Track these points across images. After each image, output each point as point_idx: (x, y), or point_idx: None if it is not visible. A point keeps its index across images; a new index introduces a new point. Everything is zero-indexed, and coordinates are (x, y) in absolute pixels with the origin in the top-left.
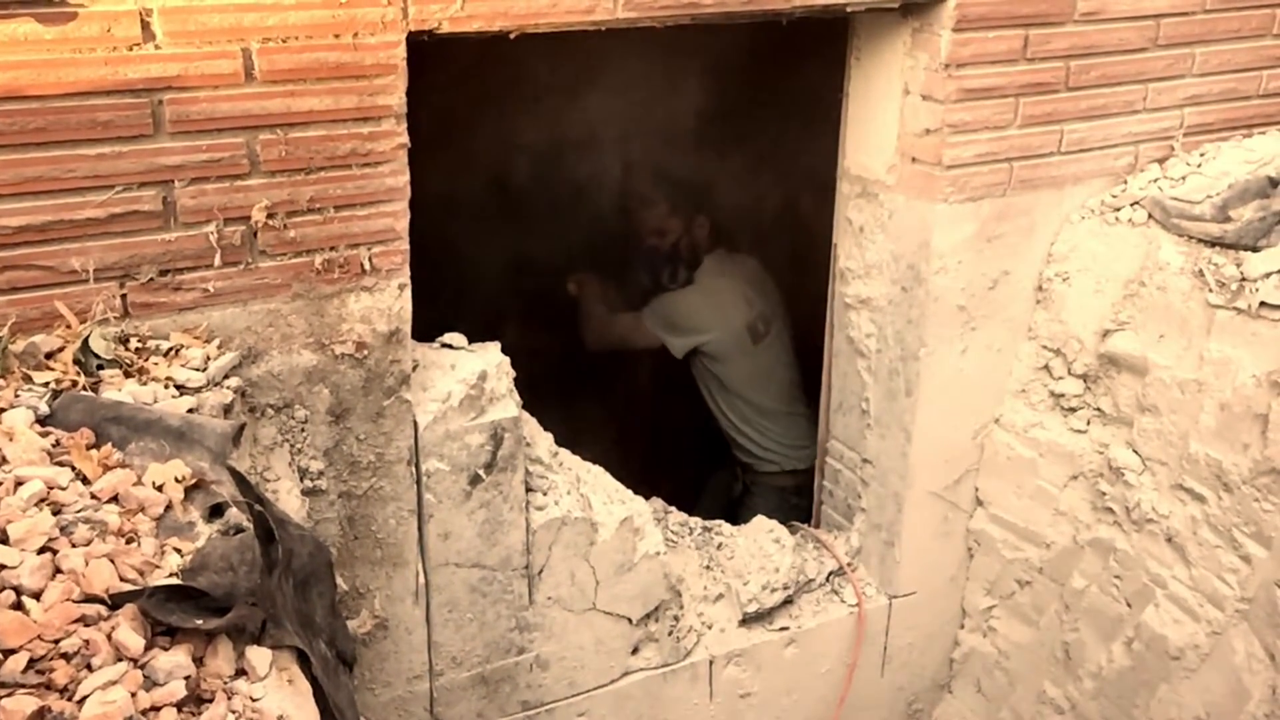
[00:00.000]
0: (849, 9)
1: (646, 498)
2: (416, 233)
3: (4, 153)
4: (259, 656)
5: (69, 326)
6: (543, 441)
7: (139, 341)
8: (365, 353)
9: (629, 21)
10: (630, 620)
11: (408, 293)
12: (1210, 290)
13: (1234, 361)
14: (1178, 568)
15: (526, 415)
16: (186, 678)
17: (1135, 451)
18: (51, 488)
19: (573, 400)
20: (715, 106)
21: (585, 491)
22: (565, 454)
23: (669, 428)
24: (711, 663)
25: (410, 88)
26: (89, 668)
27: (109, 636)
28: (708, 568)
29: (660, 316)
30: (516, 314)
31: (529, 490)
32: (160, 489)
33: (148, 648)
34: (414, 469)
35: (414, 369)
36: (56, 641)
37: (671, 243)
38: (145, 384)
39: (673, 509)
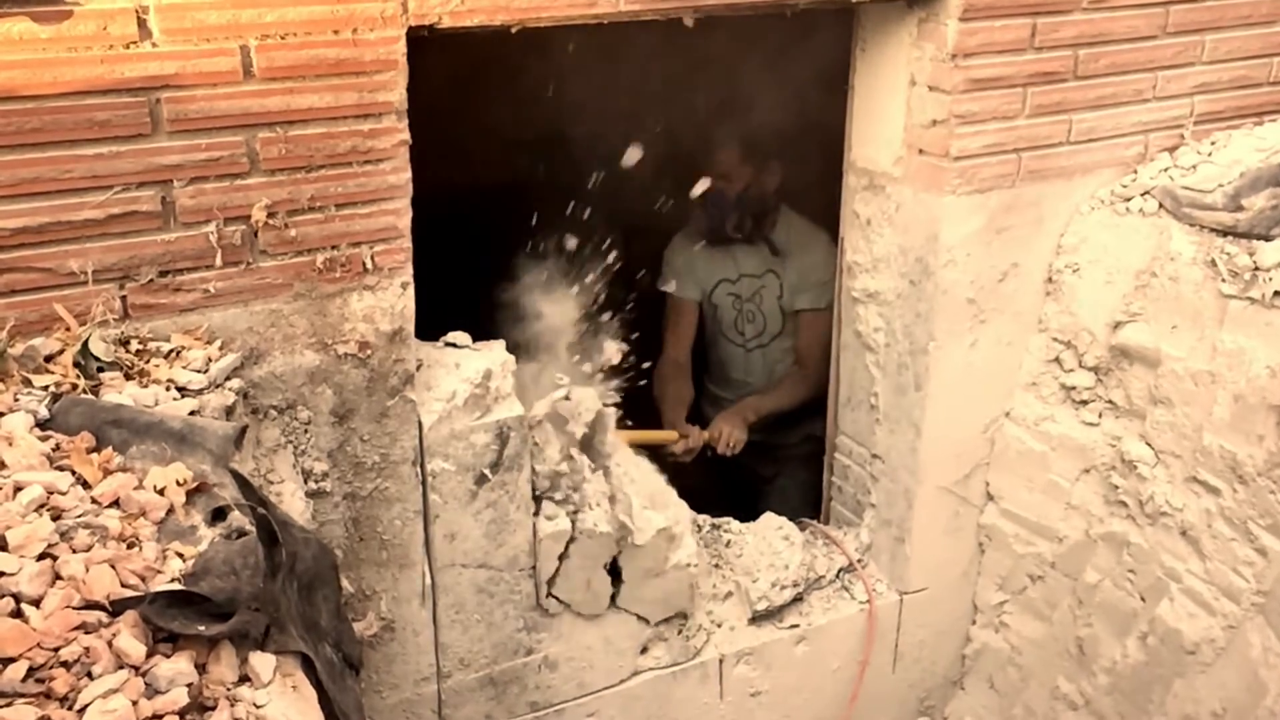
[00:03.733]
0: None
1: None
2: None
3: (0, 154)
4: (263, 662)
5: (68, 329)
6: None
7: (139, 343)
8: (368, 352)
9: (632, 15)
10: (647, 621)
11: (410, 291)
12: (1223, 280)
13: (1248, 352)
14: (1192, 561)
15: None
16: (189, 685)
17: (1148, 444)
18: (51, 493)
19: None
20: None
21: (628, 491)
22: (618, 448)
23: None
24: (721, 661)
25: None
26: (89, 676)
27: (110, 644)
28: (716, 565)
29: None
30: None
31: (545, 498)
32: (162, 493)
33: (149, 655)
34: (419, 469)
35: (418, 368)
36: (56, 649)
37: (738, 190)
38: (146, 386)
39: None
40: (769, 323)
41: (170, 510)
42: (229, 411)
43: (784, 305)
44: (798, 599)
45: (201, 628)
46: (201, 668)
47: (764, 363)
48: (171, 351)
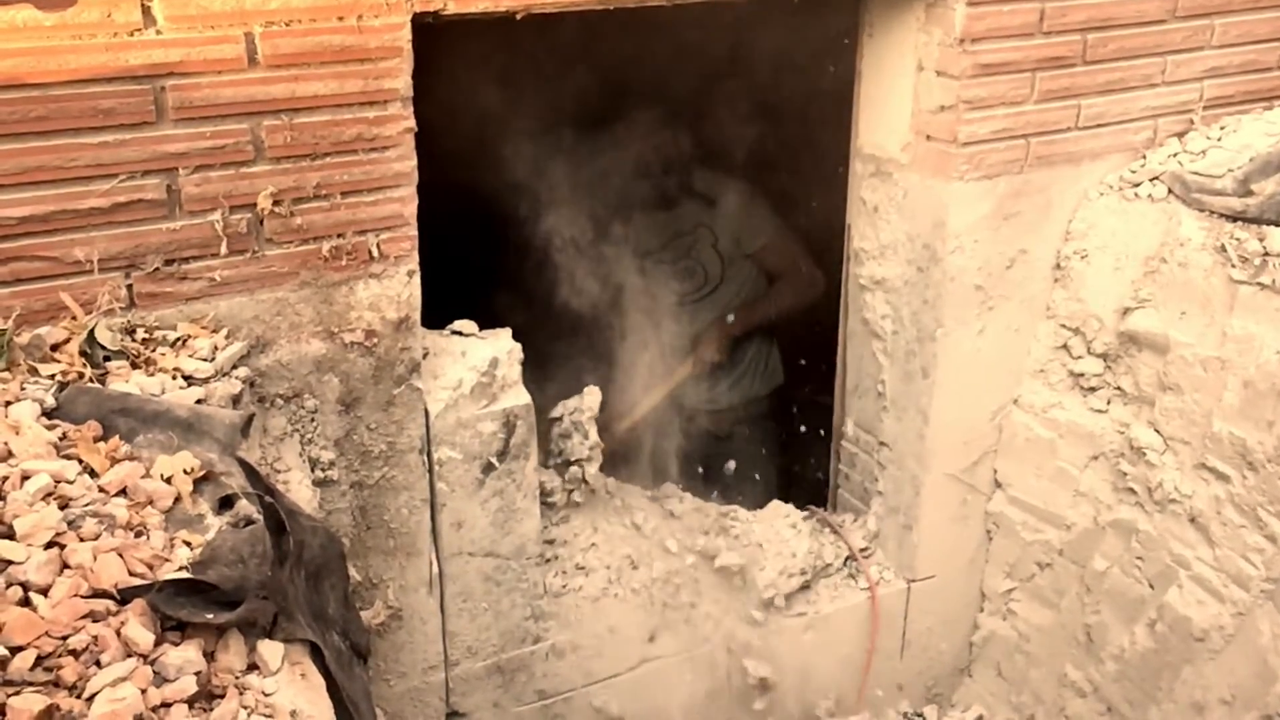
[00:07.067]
0: None
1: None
2: None
3: (5, 142)
4: (271, 650)
5: (74, 318)
6: None
7: (145, 332)
8: (375, 341)
9: (637, 0)
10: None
11: (417, 279)
12: (1232, 266)
13: (1257, 338)
14: (1201, 548)
15: None
16: (197, 673)
17: (1157, 431)
18: (59, 481)
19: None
20: None
21: None
22: None
23: None
24: (729, 650)
25: None
26: (98, 664)
27: (118, 632)
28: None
29: None
30: None
31: None
32: (169, 481)
33: (157, 643)
34: (426, 458)
35: (424, 357)
36: (65, 638)
37: (665, 155)
38: (152, 375)
39: (686, 495)
40: (709, 273)
41: (177, 499)
42: (235, 400)
43: (723, 251)
44: (805, 587)
45: (210, 616)
46: (210, 656)
47: (712, 314)
48: (178, 340)
